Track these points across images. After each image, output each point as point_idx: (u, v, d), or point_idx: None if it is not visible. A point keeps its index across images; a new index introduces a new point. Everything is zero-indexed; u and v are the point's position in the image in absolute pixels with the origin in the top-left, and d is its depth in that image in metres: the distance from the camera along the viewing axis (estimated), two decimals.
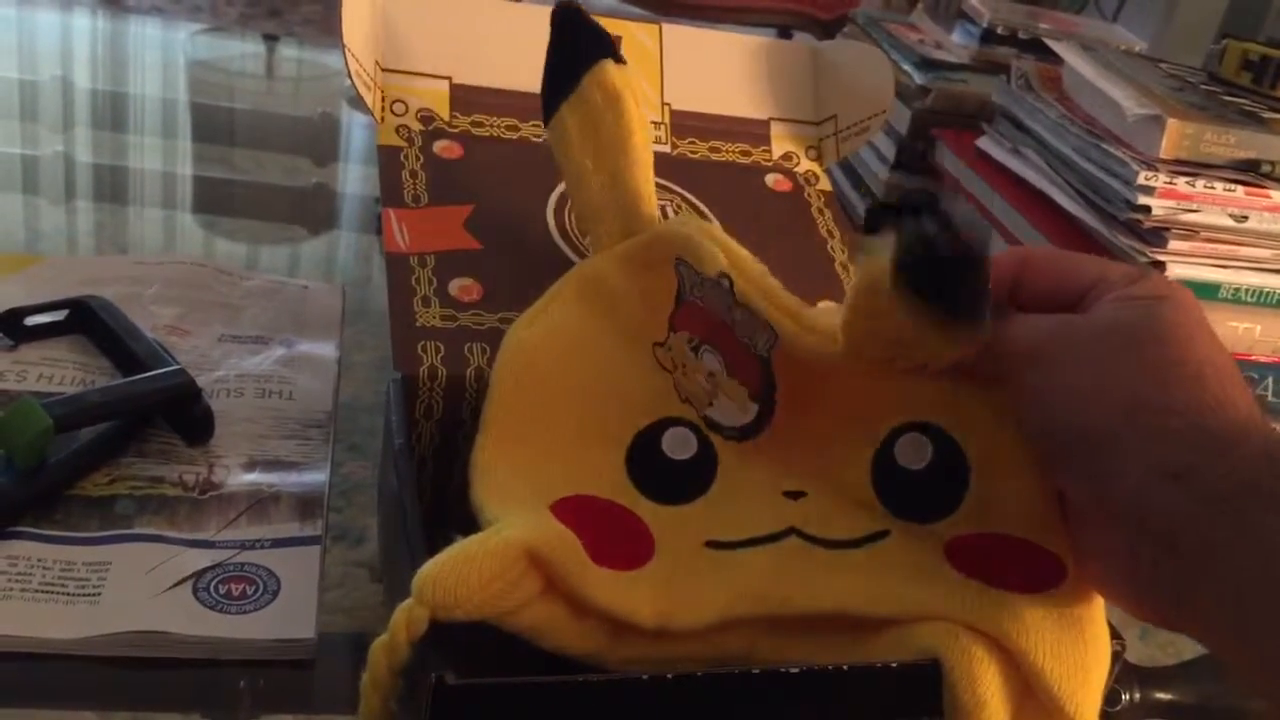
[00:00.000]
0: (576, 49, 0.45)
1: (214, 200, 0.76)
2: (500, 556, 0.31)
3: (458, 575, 0.31)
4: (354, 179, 0.84)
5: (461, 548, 0.31)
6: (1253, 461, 0.31)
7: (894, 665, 0.34)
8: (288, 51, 1.03)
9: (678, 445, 0.40)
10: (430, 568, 0.31)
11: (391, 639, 0.31)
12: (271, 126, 0.90)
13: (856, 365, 0.39)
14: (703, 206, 0.54)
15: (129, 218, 0.71)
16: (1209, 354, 0.35)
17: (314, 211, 0.77)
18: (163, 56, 0.98)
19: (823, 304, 0.41)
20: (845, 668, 0.33)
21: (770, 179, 0.57)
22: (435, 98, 0.53)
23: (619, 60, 0.45)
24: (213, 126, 0.88)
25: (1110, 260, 0.39)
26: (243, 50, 1.02)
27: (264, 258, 0.67)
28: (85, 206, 0.70)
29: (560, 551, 0.33)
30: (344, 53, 0.48)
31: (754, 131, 0.58)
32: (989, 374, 0.38)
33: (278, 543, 0.42)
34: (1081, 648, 0.34)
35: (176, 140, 0.85)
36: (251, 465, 0.46)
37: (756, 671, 0.33)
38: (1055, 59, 0.73)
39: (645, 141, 0.45)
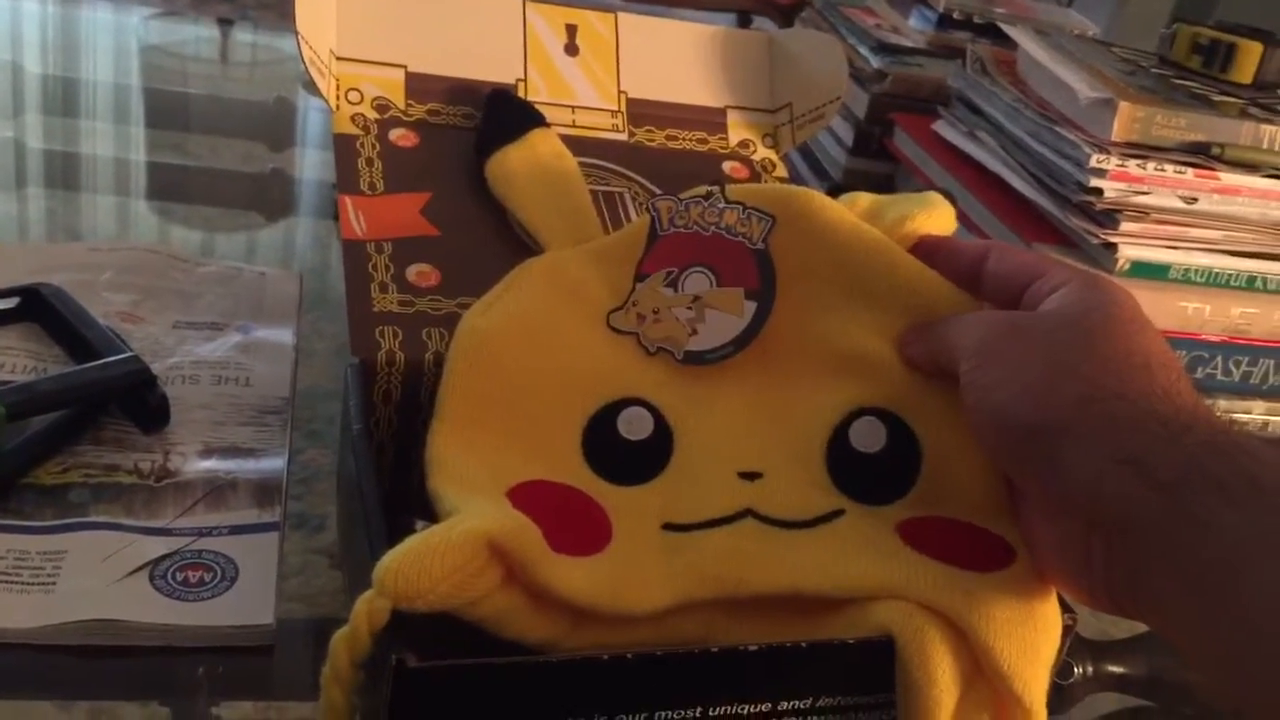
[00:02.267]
0: (514, 115, 0.50)
1: (169, 186, 0.75)
2: (462, 548, 0.31)
3: (420, 566, 0.31)
4: (311, 165, 0.83)
5: (423, 538, 0.31)
6: (1201, 447, 0.32)
7: (849, 642, 0.34)
8: (242, 36, 1.02)
9: (633, 425, 0.41)
10: (391, 559, 0.31)
11: (353, 630, 0.31)
12: (226, 112, 0.89)
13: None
14: (660, 194, 0.54)
15: (81, 204, 0.70)
16: (1154, 346, 0.36)
17: (270, 198, 0.77)
18: (115, 41, 0.97)
19: None
20: (802, 644, 0.34)
21: (727, 166, 0.57)
22: (391, 86, 0.52)
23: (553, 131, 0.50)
24: (167, 112, 0.87)
25: (1056, 259, 0.40)
26: (197, 35, 1.01)
27: (220, 244, 0.67)
28: (37, 193, 0.70)
29: (522, 542, 0.33)
30: (298, 40, 0.48)
31: (711, 119, 0.58)
32: (942, 368, 0.39)
33: (235, 529, 0.42)
34: (1031, 626, 0.35)
35: (130, 126, 0.83)
36: (208, 452, 0.45)
37: (715, 650, 0.33)
38: (1010, 43, 0.74)
39: (585, 188, 0.48)
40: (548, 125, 0.50)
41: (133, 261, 0.56)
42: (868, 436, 0.40)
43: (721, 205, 0.42)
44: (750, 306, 0.42)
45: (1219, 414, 0.34)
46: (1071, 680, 0.47)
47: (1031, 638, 0.34)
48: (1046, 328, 0.37)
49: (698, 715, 0.34)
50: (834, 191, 0.82)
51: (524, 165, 0.48)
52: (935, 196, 0.45)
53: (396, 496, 0.42)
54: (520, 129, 0.50)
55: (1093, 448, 0.33)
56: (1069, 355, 0.35)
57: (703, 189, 0.43)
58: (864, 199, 0.45)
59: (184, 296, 0.55)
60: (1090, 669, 0.50)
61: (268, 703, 0.40)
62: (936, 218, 0.44)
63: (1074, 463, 0.34)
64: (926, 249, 0.43)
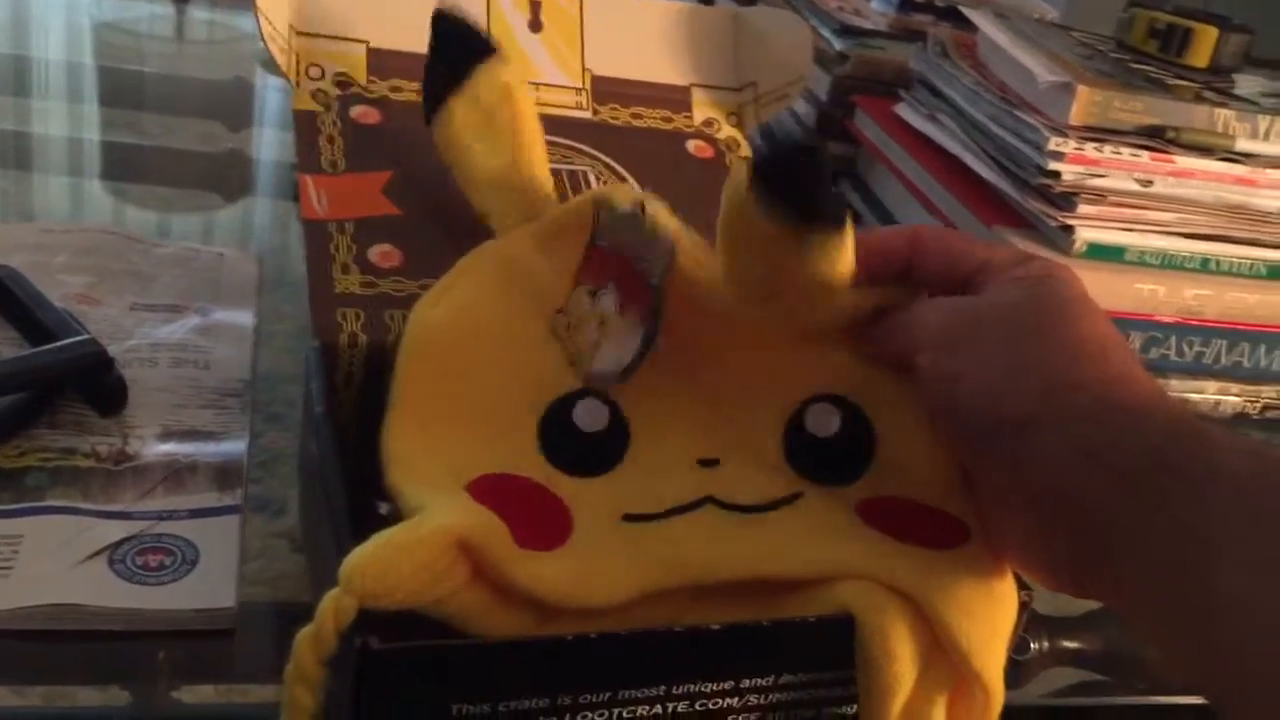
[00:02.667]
0: (460, 49, 0.45)
1: (124, 166, 0.74)
2: (430, 546, 0.31)
3: (387, 565, 0.30)
4: (269, 144, 0.82)
5: (390, 536, 0.31)
6: (1161, 434, 0.32)
7: (810, 620, 0.35)
8: (198, 14, 1.01)
9: (589, 417, 0.41)
10: (358, 557, 0.30)
11: (318, 629, 0.30)
12: (182, 91, 0.88)
13: (741, 309, 0.40)
14: (624, 172, 0.54)
15: (34, 185, 0.69)
16: (1105, 329, 0.36)
17: (228, 178, 0.76)
18: (67, 19, 0.95)
19: None
20: (764, 623, 0.34)
21: (692, 145, 0.57)
22: (352, 62, 0.52)
23: (501, 59, 0.45)
24: (121, 90, 0.85)
25: (995, 242, 0.40)
26: (151, 12, 0.99)
27: (177, 225, 0.66)
28: None
29: (490, 539, 0.32)
30: (256, 15, 0.47)
31: (675, 98, 0.58)
32: (896, 354, 0.39)
33: (196, 513, 0.42)
34: (989, 604, 0.35)
35: (83, 105, 0.82)
36: (167, 435, 0.45)
37: (678, 629, 0.34)
38: (971, 27, 0.74)
39: (537, 129, 0.45)
40: (493, 52, 0.45)
41: (88, 243, 0.55)
42: (822, 421, 0.40)
43: (637, 228, 0.41)
44: (634, 341, 0.40)
45: (1173, 397, 0.35)
46: (1028, 656, 0.48)
47: (989, 614, 0.35)
48: (1000, 314, 0.36)
49: (661, 694, 0.34)
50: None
51: (467, 125, 0.45)
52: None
53: (360, 479, 0.42)
54: (462, 71, 0.45)
55: (1055, 441, 0.33)
56: (1027, 346, 0.35)
57: (632, 201, 0.41)
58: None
59: (141, 278, 0.54)
60: (1046, 644, 0.50)
61: (229, 685, 0.40)
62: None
63: (1036, 457, 0.34)
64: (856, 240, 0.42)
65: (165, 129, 0.80)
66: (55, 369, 0.44)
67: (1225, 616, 0.30)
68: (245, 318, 0.53)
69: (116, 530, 0.40)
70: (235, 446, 0.45)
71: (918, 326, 0.38)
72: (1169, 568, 0.31)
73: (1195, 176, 0.62)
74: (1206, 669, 0.31)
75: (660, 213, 0.41)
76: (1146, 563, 0.32)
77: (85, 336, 0.46)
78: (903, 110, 0.75)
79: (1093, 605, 0.52)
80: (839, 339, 0.41)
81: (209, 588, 0.39)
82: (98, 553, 0.39)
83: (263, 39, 0.47)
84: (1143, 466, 0.32)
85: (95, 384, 0.45)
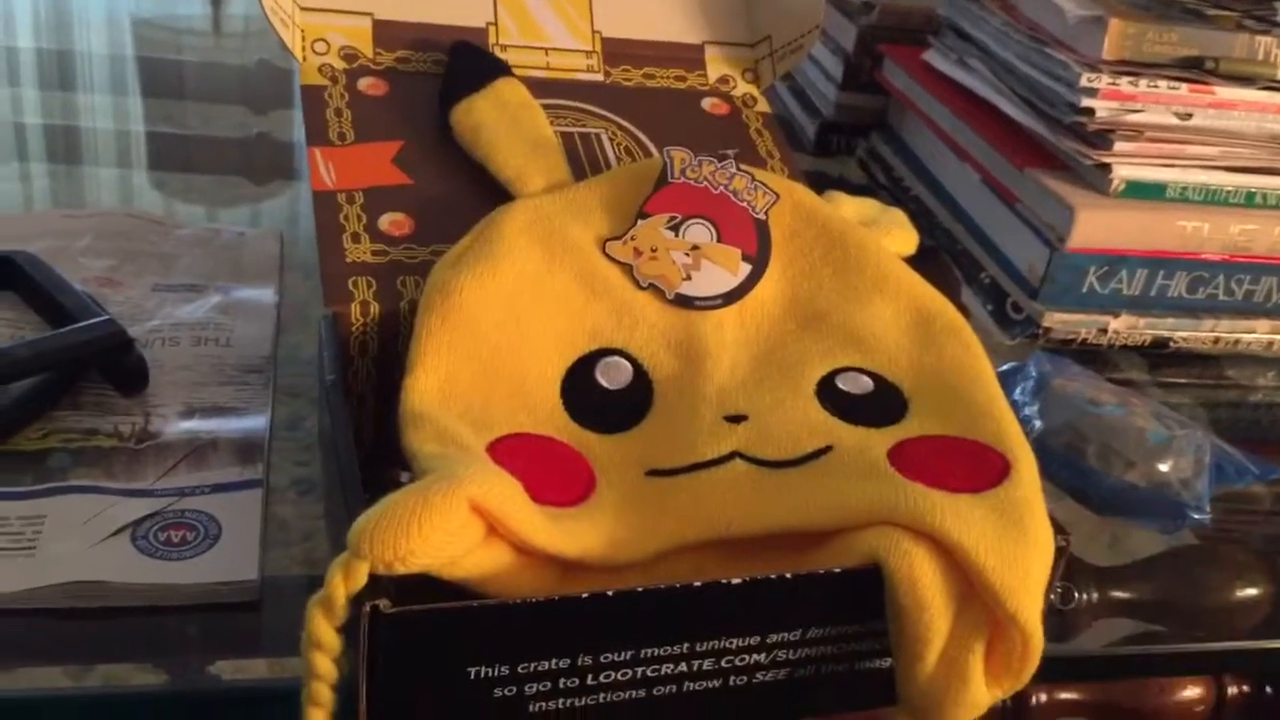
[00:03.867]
0: (481, 64, 0.50)
1: (154, 155, 0.75)
2: (441, 507, 0.30)
3: (396, 528, 0.29)
4: (299, 127, 0.82)
5: (400, 498, 0.30)
6: None
7: (836, 571, 0.34)
8: (234, 9, 1.01)
9: (612, 374, 0.40)
10: (367, 520, 0.30)
11: (328, 595, 0.30)
12: (214, 79, 0.88)
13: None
14: (639, 134, 0.53)
15: (60, 176, 0.69)
16: None
17: (255, 161, 0.76)
18: (108, 15, 0.96)
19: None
20: (787, 576, 0.33)
21: (707, 103, 0.56)
22: (358, 35, 0.51)
23: (518, 80, 0.50)
24: (154, 80, 0.86)
25: None
26: (189, 9, 1.00)
27: (204, 209, 0.66)
28: (26, 168, 0.69)
29: (502, 497, 0.32)
30: None
31: (688, 56, 0.57)
32: None
33: (218, 488, 0.42)
34: (1023, 545, 0.34)
35: (121, 97, 0.82)
36: (190, 413, 0.45)
37: (698, 585, 0.33)
38: None
39: (552, 132, 0.49)
40: (512, 74, 0.50)
41: (109, 226, 0.55)
42: (853, 383, 0.41)
43: (733, 170, 0.45)
44: (745, 268, 0.43)
45: None
46: (1073, 605, 0.46)
47: (1023, 556, 0.33)
48: None
49: (685, 651, 0.34)
50: (825, 128, 0.81)
51: (490, 114, 0.48)
52: (901, 217, 0.49)
53: (380, 448, 0.42)
54: (484, 78, 0.49)
55: None
56: None
57: (718, 153, 0.46)
58: (845, 203, 0.48)
59: (162, 259, 0.54)
60: (1095, 595, 0.49)
61: (259, 659, 0.40)
62: (900, 238, 0.48)
63: None
64: None
65: (194, 117, 0.80)
66: (75, 350, 0.44)
67: None
68: (267, 295, 0.53)
69: (139, 507, 0.40)
70: (257, 422, 0.45)
71: None
72: None
73: (1237, 108, 0.60)
74: None
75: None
76: None
77: (105, 317, 0.46)
78: (931, 57, 0.73)
79: (1143, 553, 0.51)
80: (870, 325, 0.42)
81: (232, 561, 0.39)
82: (120, 530, 0.39)
83: (264, 14, 0.47)
84: None
85: (116, 365, 0.45)
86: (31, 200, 0.64)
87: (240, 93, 0.85)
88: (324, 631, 0.30)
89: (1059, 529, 0.36)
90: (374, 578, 0.30)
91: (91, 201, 0.63)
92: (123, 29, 0.94)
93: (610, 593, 0.32)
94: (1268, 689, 0.60)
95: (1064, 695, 0.55)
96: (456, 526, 0.31)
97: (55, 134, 0.74)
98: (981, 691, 0.34)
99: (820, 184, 0.51)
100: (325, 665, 0.30)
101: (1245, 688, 0.60)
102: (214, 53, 0.94)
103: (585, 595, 0.32)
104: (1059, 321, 0.60)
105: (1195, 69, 0.59)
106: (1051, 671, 0.51)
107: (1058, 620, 0.47)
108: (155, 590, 0.38)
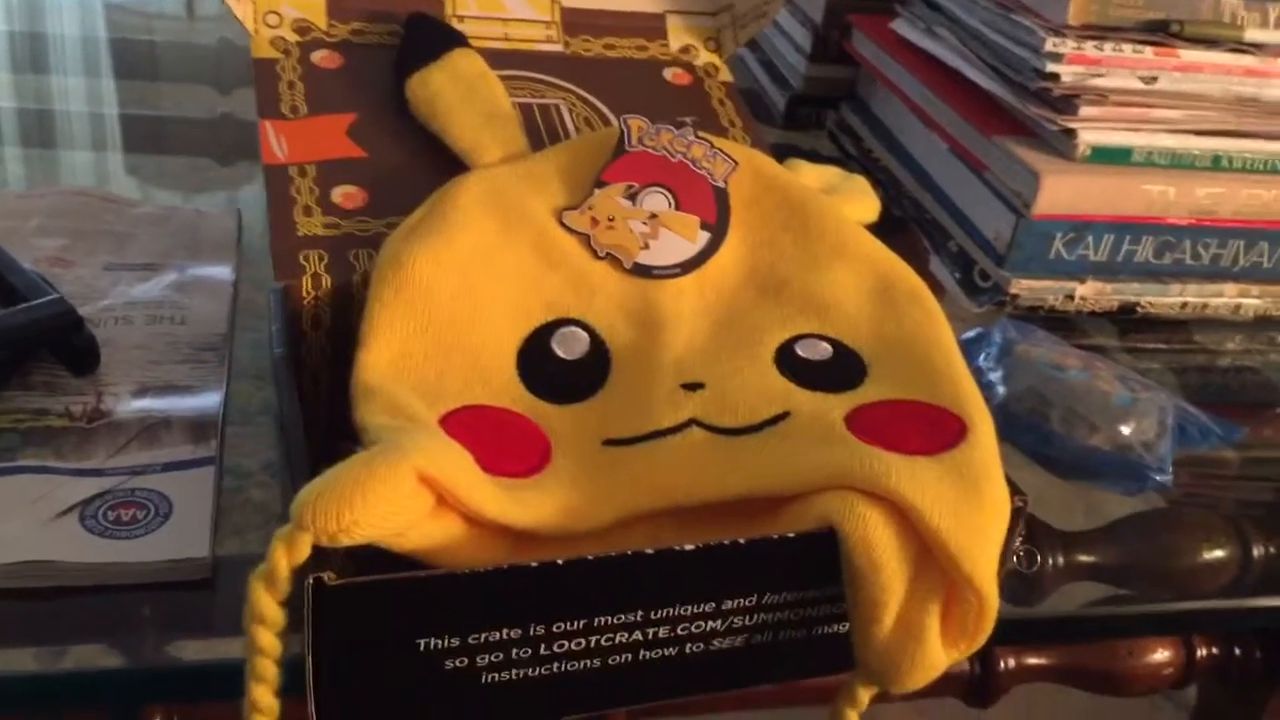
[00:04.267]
0: (437, 36, 0.49)
1: (116, 134, 0.74)
2: (385, 477, 0.29)
3: (340, 499, 0.29)
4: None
5: (343, 469, 0.30)
6: None
7: (790, 536, 0.33)
8: None
9: (568, 344, 0.40)
10: (309, 492, 0.29)
11: (270, 568, 0.29)
12: (180, 60, 0.87)
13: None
14: (599, 104, 0.52)
15: (23, 160, 0.69)
16: None
17: (221, 141, 0.75)
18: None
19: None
20: (741, 541, 0.33)
21: (669, 73, 0.55)
22: (311, 7, 0.51)
23: (474, 52, 0.49)
24: (126, 63, 0.85)
25: None
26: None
27: (167, 190, 0.65)
28: None
29: (450, 467, 0.31)
30: None
31: (649, 25, 0.56)
32: None
33: (169, 466, 0.41)
34: (978, 506, 0.34)
35: (91, 79, 0.81)
36: (142, 392, 0.44)
37: (649, 552, 0.32)
38: None
39: (509, 102, 0.48)
40: (469, 45, 0.49)
41: (63, 205, 0.55)
42: (812, 349, 0.40)
43: (691, 138, 0.44)
44: (704, 236, 0.43)
45: None
46: (1036, 569, 0.46)
47: (977, 517, 0.33)
48: None
49: (639, 620, 0.33)
50: (795, 100, 0.80)
51: (446, 85, 0.47)
52: (864, 184, 0.49)
53: (336, 423, 0.41)
54: (440, 49, 0.48)
55: None
56: None
57: (676, 120, 0.46)
58: (806, 171, 0.48)
59: (117, 238, 0.53)
60: (1061, 559, 0.49)
61: (216, 640, 0.40)
62: (862, 205, 0.47)
63: None
64: None
65: (159, 97, 0.79)
66: (23, 330, 0.44)
67: None
68: (223, 272, 0.52)
69: (89, 487, 0.40)
70: (211, 400, 0.45)
71: None
72: None
73: (1202, 70, 0.59)
74: None
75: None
76: None
77: (54, 296, 0.45)
78: (899, 26, 0.72)
79: (1108, 518, 0.51)
80: (829, 293, 0.42)
81: (183, 539, 0.38)
82: (69, 509, 0.39)
83: None
84: None
85: (66, 344, 0.44)
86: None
87: (205, 73, 0.84)
88: (266, 605, 0.30)
89: (1015, 490, 0.36)
90: (324, 551, 0.30)
91: (54, 182, 0.62)
92: (95, 14, 0.93)
93: (560, 561, 0.31)
94: (1237, 650, 0.61)
95: (1032, 660, 0.55)
96: (402, 497, 0.30)
97: (27, 117, 0.73)
98: (938, 653, 0.33)
99: (791, 157, 0.50)
100: (268, 639, 0.30)
101: (1214, 649, 0.60)
102: (184, 34, 0.93)
103: (535, 564, 0.31)
104: (1026, 288, 0.59)
105: (1160, 32, 0.59)
106: (1019, 634, 0.52)
107: (1024, 584, 0.47)
108: (105, 569, 0.37)
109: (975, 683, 0.55)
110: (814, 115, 0.81)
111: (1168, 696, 1.09)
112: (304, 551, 0.29)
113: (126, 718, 0.46)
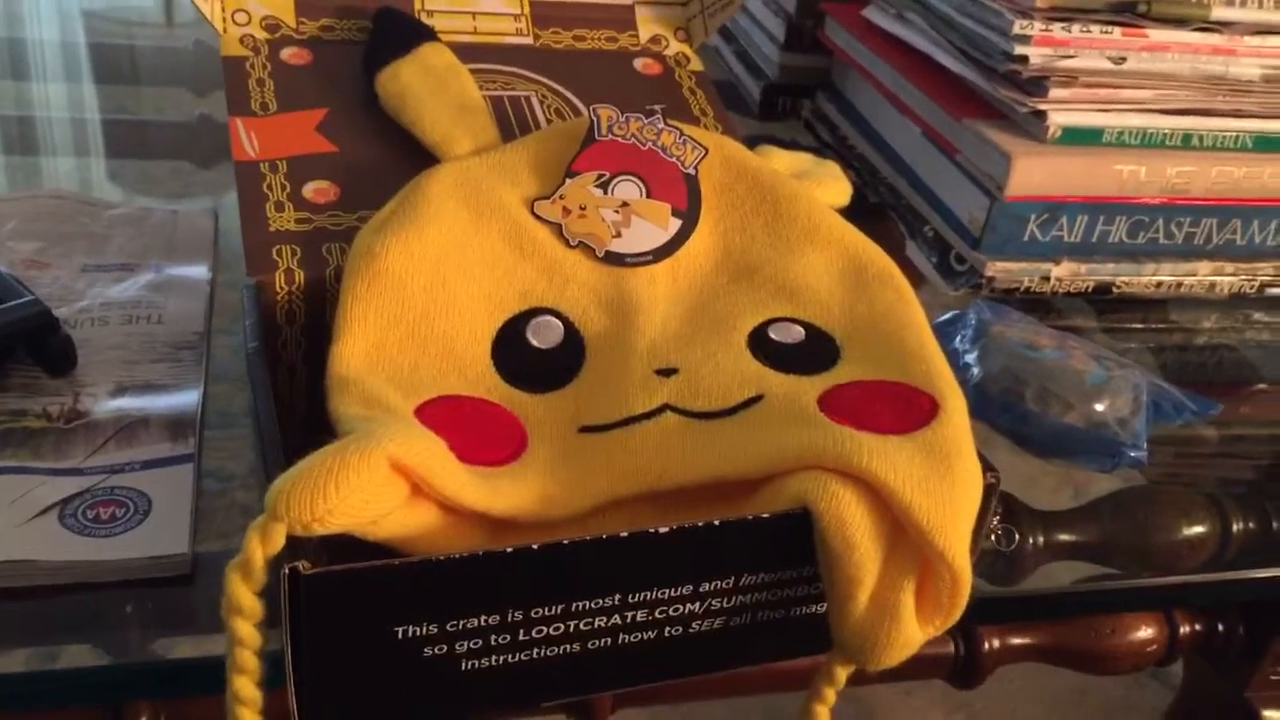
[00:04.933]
0: (406, 30, 0.50)
1: (103, 142, 0.74)
2: (358, 466, 0.30)
3: (313, 488, 0.29)
4: None
5: (317, 459, 0.30)
6: None
7: (764, 516, 0.34)
8: None
9: (542, 333, 0.40)
10: (283, 481, 0.29)
11: (246, 559, 0.29)
12: (160, 65, 0.87)
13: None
14: (570, 96, 0.52)
15: (8, 166, 0.68)
16: None
17: (198, 143, 0.75)
18: (58, 6, 0.95)
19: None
20: (714, 523, 0.33)
21: (639, 63, 0.55)
22: (280, 5, 0.51)
23: (443, 46, 0.49)
24: (104, 68, 0.85)
25: None
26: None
27: (148, 195, 0.65)
28: None
29: (423, 455, 0.31)
30: None
31: (619, 17, 0.56)
32: None
33: (148, 464, 0.41)
34: (950, 483, 0.34)
35: (69, 84, 0.81)
36: (120, 391, 0.44)
37: (626, 535, 0.33)
38: None
39: (479, 95, 0.48)
40: (438, 39, 0.49)
41: (38, 209, 0.55)
42: (785, 332, 0.41)
43: (661, 126, 0.45)
44: (675, 223, 0.43)
45: None
46: (1014, 547, 0.46)
47: (950, 494, 0.33)
48: None
49: (617, 603, 0.34)
50: (770, 90, 0.81)
51: (415, 78, 0.47)
52: (835, 169, 0.49)
53: (313, 418, 0.41)
54: (410, 44, 0.48)
55: None
56: None
57: (645, 109, 0.46)
58: (777, 157, 0.48)
59: (92, 239, 0.53)
60: (1041, 539, 0.49)
61: (200, 636, 0.40)
62: (833, 189, 0.48)
63: None
64: None
65: (135, 101, 0.79)
66: None
67: None
68: (200, 271, 0.52)
69: (67, 486, 0.40)
70: (188, 398, 0.45)
71: None
72: None
73: (1170, 49, 0.60)
74: None
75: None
76: None
77: (30, 298, 0.45)
78: (871, 13, 0.73)
79: (1086, 497, 0.51)
80: (802, 277, 0.42)
81: (162, 536, 0.38)
82: (47, 509, 0.39)
83: None
84: None
85: (43, 345, 0.44)
86: None
87: (182, 77, 0.84)
88: (243, 595, 0.30)
89: (988, 467, 0.36)
90: (300, 541, 0.30)
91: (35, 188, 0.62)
92: (73, 20, 0.93)
93: (536, 546, 0.32)
94: (1219, 626, 0.61)
95: (1016, 640, 0.56)
96: (376, 486, 0.30)
97: (7, 123, 0.73)
98: (914, 630, 0.34)
99: (761, 144, 0.51)
100: (246, 630, 0.30)
101: (1198, 626, 0.61)
102: (163, 39, 0.93)
103: (511, 549, 0.31)
104: (1001, 271, 0.60)
105: (1128, 12, 0.59)
106: (1002, 613, 0.52)
107: (1005, 563, 0.47)
108: (85, 567, 0.37)
109: (960, 664, 0.55)
110: (789, 104, 0.81)
111: (1153, 674, 1.09)
112: (279, 541, 0.29)
113: (112, 715, 0.46)
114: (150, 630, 0.39)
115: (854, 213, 0.47)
